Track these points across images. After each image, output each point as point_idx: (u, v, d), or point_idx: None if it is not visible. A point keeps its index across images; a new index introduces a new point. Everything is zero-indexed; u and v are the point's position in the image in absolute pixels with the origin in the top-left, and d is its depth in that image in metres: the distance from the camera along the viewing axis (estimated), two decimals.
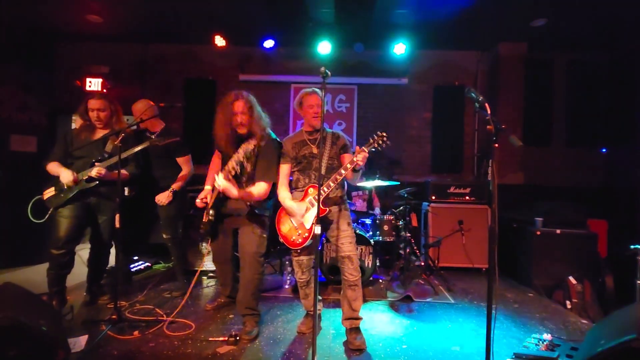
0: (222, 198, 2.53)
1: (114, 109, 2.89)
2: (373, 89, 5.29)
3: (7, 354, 1.75)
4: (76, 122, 2.91)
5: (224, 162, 2.54)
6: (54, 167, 2.75)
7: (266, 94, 5.20)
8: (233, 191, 2.33)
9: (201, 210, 2.62)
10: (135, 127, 3.06)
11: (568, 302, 3.41)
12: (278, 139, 2.62)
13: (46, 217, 2.74)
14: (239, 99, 2.46)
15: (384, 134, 2.22)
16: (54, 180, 2.75)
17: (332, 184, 2.29)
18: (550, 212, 3.93)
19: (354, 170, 2.27)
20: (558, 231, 3.76)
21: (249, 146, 2.43)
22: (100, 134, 2.85)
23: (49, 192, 2.75)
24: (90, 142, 2.77)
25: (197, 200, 2.61)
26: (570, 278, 3.47)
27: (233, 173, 2.40)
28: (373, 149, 2.23)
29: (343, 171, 2.27)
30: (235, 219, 2.59)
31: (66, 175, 2.66)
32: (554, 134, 5.16)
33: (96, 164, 2.69)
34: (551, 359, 2.11)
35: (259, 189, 2.43)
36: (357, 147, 2.22)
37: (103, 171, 2.69)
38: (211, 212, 2.53)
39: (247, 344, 2.37)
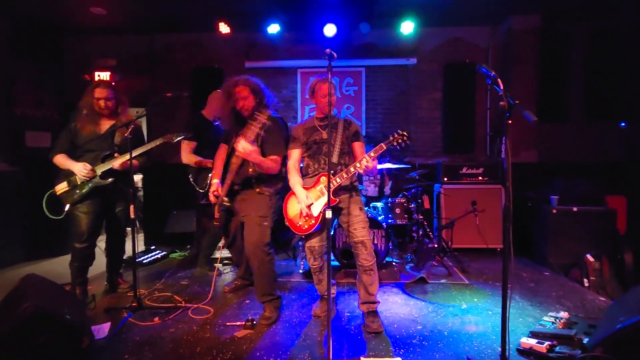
0: (233, 189, 2.59)
1: (119, 97, 2.85)
2: (381, 71, 5.18)
3: (34, 342, 1.82)
4: (79, 112, 2.83)
5: (231, 148, 2.59)
6: (62, 160, 2.71)
7: (273, 80, 5.15)
8: (255, 155, 2.35)
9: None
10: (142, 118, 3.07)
11: (585, 280, 3.37)
12: (281, 117, 2.67)
13: (64, 214, 2.74)
14: (238, 84, 2.54)
15: (405, 133, 2.20)
16: (64, 174, 2.73)
17: (345, 176, 2.30)
18: (567, 189, 3.85)
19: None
20: (575, 209, 3.69)
21: (260, 122, 2.46)
22: (105, 123, 2.81)
23: (62, 188, 2.72)
24: (98, 136, 2.75)
25: (210, 196, 2.61)
26: (588, 256, 3.41)
27: (253, 138, 2.44)
28: (392, 147, 2.22)
29: (358, 164, 2.27)
30: (241, 207, 2.61)
31: (80, 169, 2.64)
32: (570, 109, 4.99)
33: (116, 154, 2.72)
34: (569, 337, 2.09)
35: (272, 160, 2.48)
36: (367, 155, 2.23)
37: (127, 164, 2.68)
38: (226, 199, 2.56)
39: (264, 329, 2.41)
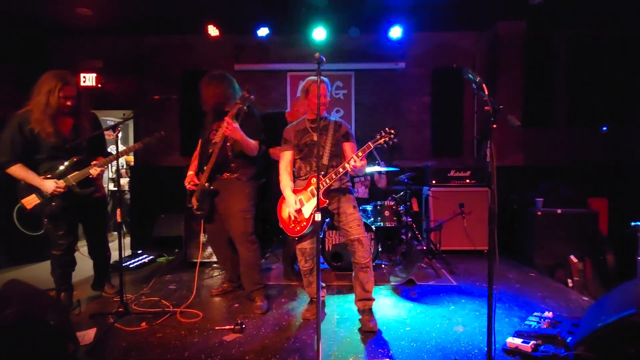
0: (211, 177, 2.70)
1: (82, 94, 2.65)
2: (370, 75, 5.23)
3: (18, 349, 1.78)
4: (33, 108, 2.51)
5: (206, 138, 2.78)
6: (22, 173, 2.48)
7: (262, 84, 5.15)
8: (240, 132, 2.53)
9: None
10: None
11: (569, 281, 3.44)
12: (256, 109, 2.86)
13: (43, 229, 2.60)
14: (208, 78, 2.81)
15: (392, 131, 2.22)
16: (28, 186, 2.51)
17: (334, 176, 2.31)
18: (551, 192, 3.94)
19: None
20: (559, 211, 3.77)
21: (236, 107, 2.63)
22: (67, 124, 2.60)
23: (32, 201, 2.51)
24: (66, 141, 2.56)
25: (186, 184, 2.76)
26: (572, 257, 3.49)
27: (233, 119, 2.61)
28: (379, 145, 2.24)
29: (347, 164, 2.28)
30: (224, 198, 2.73)
31: (54, 188, 2.48)
32: (555, 113, 5.11)
33: (93, 163, 2.61)
34: (552, 336, 2.13)
35: (254, 143, 2.67)
36: (355, 155, 2.24)
37: (103, 169, 2.67)
38: (207, 184, 2.68)
39: (253, 332, 2.40)
